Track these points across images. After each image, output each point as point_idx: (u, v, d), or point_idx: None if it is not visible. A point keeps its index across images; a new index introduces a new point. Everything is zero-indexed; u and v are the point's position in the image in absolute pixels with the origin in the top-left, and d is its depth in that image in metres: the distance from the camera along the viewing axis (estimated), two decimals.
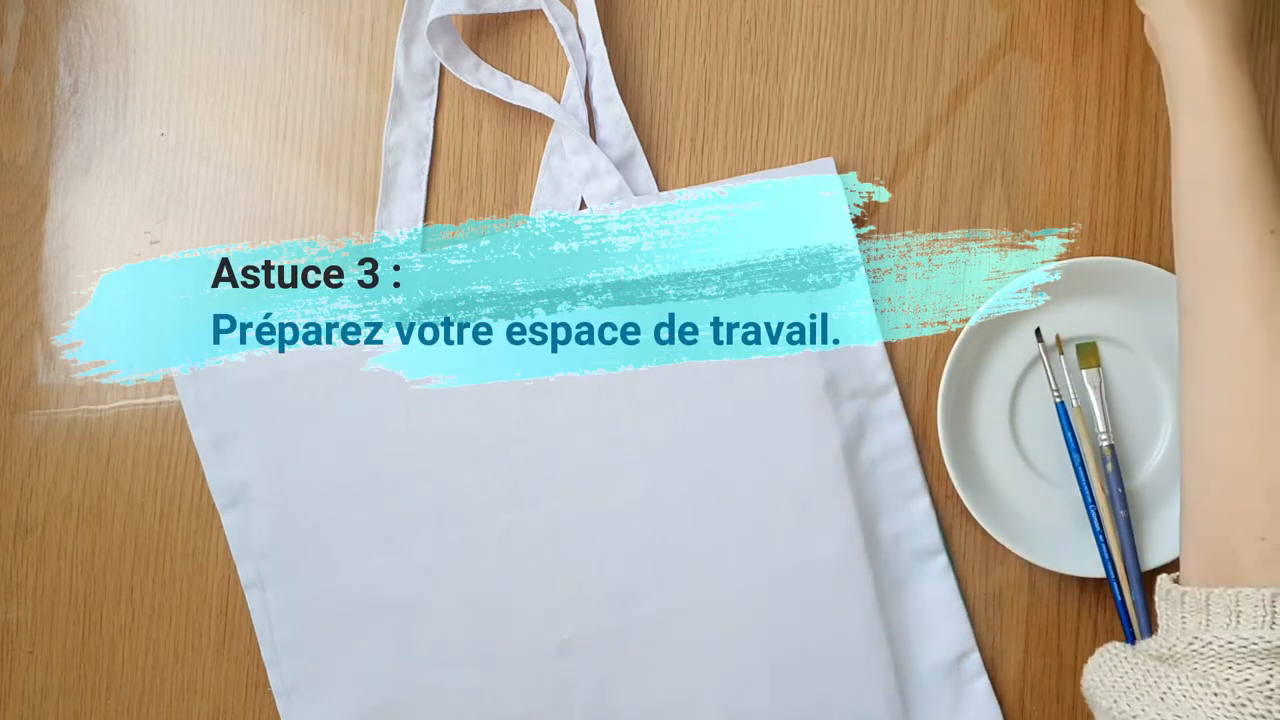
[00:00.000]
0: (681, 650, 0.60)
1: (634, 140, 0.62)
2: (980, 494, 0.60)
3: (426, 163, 0.63)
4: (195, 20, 0.65)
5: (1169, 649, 0.43)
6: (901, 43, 0.63)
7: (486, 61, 0.64)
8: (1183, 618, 0.43)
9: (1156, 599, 0.46)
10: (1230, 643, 0.40)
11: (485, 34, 0.64)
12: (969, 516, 0.59)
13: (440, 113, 0.64)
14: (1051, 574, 0.61)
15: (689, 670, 0.60)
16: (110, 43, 0.65)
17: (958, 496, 0.59)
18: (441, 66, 0.64)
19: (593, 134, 0.62)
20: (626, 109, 0.62)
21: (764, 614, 0.60)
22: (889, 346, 0.61)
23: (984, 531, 0.59)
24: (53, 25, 0.66)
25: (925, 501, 0.61)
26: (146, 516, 0.64)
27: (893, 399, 0.61)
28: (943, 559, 0.61)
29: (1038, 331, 0.60)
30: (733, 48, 0.63)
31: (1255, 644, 0.40)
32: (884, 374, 0.61)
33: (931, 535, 0.61)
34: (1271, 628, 0.40)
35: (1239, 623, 0.41)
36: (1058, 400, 0.60)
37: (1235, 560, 0.42)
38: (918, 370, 0.62)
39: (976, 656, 0.60)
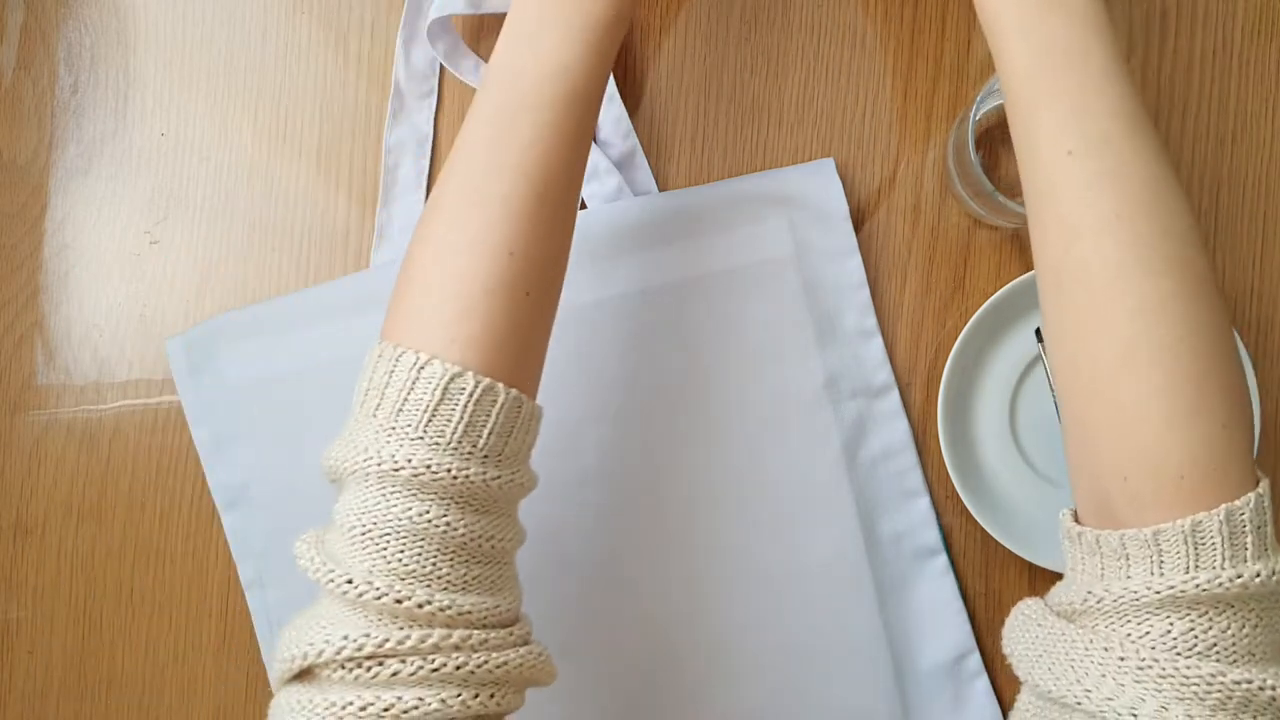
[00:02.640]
0: (682, 650, 0.60)
1: (634, 140, 0.62)
2: (980, 494, 0.60)
3: (426, 163, 0.64)
4: (195, 20, 0.65)
5: (1070, 604, 0.42)
6: (901, 43, 0.63)
7: (486, 62, 0.64)
8: (1081, 558, 0.43)
9: (1061, 537, 0.45)
10: (1121, 596, 0.39)
11: (485, 34, 0.64)
12: (969, 516, 0.60)
13: (440, 113, 0.64)
14: (1051, 574, 0.61)
15: (690, 670, 0.60)
16: (110, 43, 0.65)
17: (958, 496, 0.59)
18: (441, 66, 0.64)
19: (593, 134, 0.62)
20: (626, 109, 0.62)
21: (764, 613, 0.60)
22: (889, 346, 0.61)
23: (984, 531, 0.59)
24: (53, 25, 0.66)
25: (925, 501, 0.61)
26: (146, 516, 0.64)
27: (893, 399, 0.61)
28: (943, 559, 0.61)
29: (1038, 331, 0.60)
30: (733, 48, 0.63)
31: (1145, 595, 0.39)
32: (884, 374, 0.61)
33: (931, 535, 0.61)
34: (1160, 573, 0.39)
35: (1129, 570, 0.40)
36: (1058, 400, 0.60)
37: (1109, 502, 0.42)
38: (918, 370, 0.62)
39: (976, 656, 0.60)
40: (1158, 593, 0.38)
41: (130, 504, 0.64)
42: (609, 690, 0.60)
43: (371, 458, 0.42)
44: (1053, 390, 0.60)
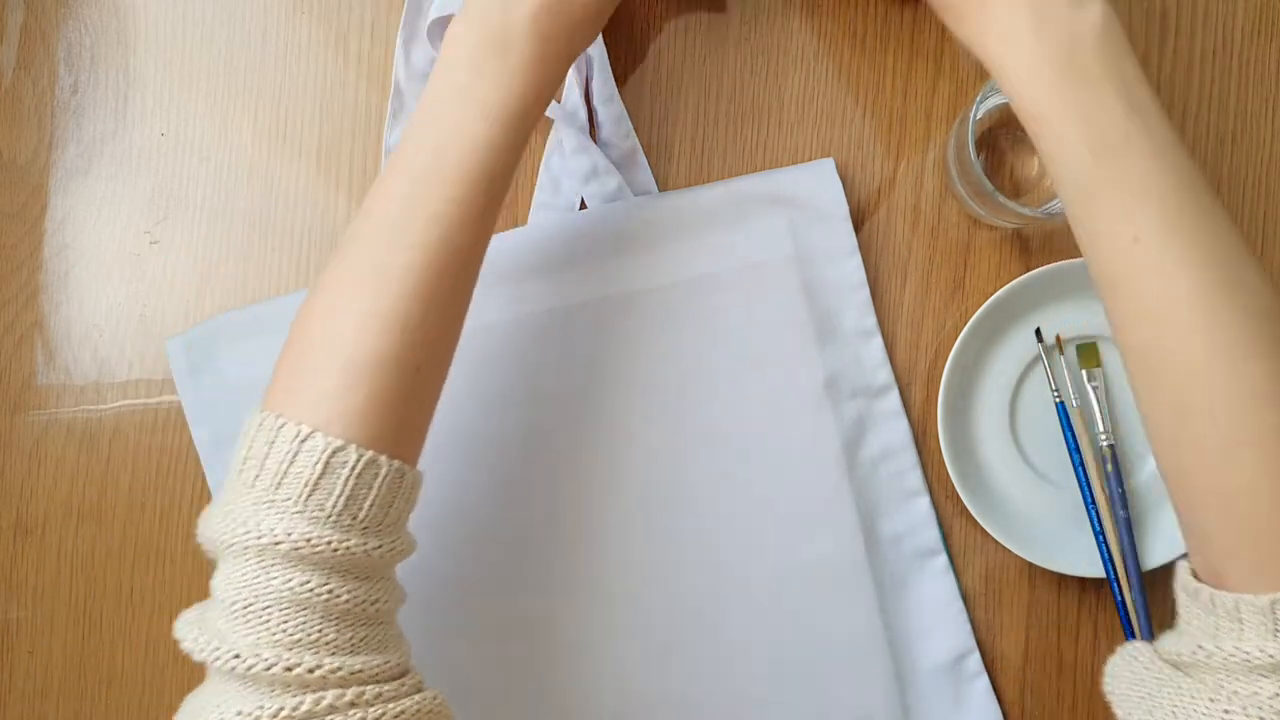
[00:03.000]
0: (682, 649, 0.60)
1: (634, 140, 0.62)
2: (980, 494, 0.60)
3: None
4: (195, 20, 0.65)
5: (1179, 654, 0.42)
6: (901, 43, 0.62)
7: None
8: (1196, 612, 0.43)
9: (1175, 585, 0.45)
10: (1233, 655, 0.40)
11: None
12: (969, 516, 0.59)
13: None
14: (1051, 574, 0.61)
15: (690, 669, 0.60)
16: (110, 43, 0.65)
17: (958, 496, 0.59)
18: None
19: (593, 134, 0.62)
20: (626, 109, 0.62)
21: (764, 613, 0.60)
22: (889, 346, 0.61)
23: (984, 531, 0.59)
24: (53, 25, 0.66)
25: (925, 501, 0.61)
26: (146, 516, 0.64)
27: (893, 399, 0.61)
28: (943, 559, 0.61)
29: (1038, 331, 0.60)
30: (732, 48, 0.63)
31: (1258, 658, 0.39)
32: (884, 374, 0.61)
33: (931, 535, 0.61)
34: (1275, 638, 0.39)
35: (1242, 632, 0.40)
36: (1058, 400, 0.60)
37: (1220, 572, 0.42)
38: (918, 370, 0.62)
39: (976, 656, 0.60)
40: (1271, 656, 0.39)
41: (130, 504, 0.64)
42: (608, 690, 0.60)
43: (250, 531, 0.42)
44: (1054, 390, 0.60)
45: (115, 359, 0.65)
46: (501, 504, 0.60)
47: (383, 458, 0.44)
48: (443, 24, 0.62)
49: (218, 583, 0.43)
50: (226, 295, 0.64)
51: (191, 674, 0.64)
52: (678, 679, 0.60)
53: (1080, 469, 0.60)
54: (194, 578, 0.64)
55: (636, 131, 0.62)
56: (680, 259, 0.61)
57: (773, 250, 0.60)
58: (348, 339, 0.45)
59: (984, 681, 0.60)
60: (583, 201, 0.62)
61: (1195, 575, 0.44)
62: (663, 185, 0.63)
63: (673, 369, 0.60)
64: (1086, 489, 0.60)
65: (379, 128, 0.64)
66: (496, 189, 0.49)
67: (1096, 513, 0.60)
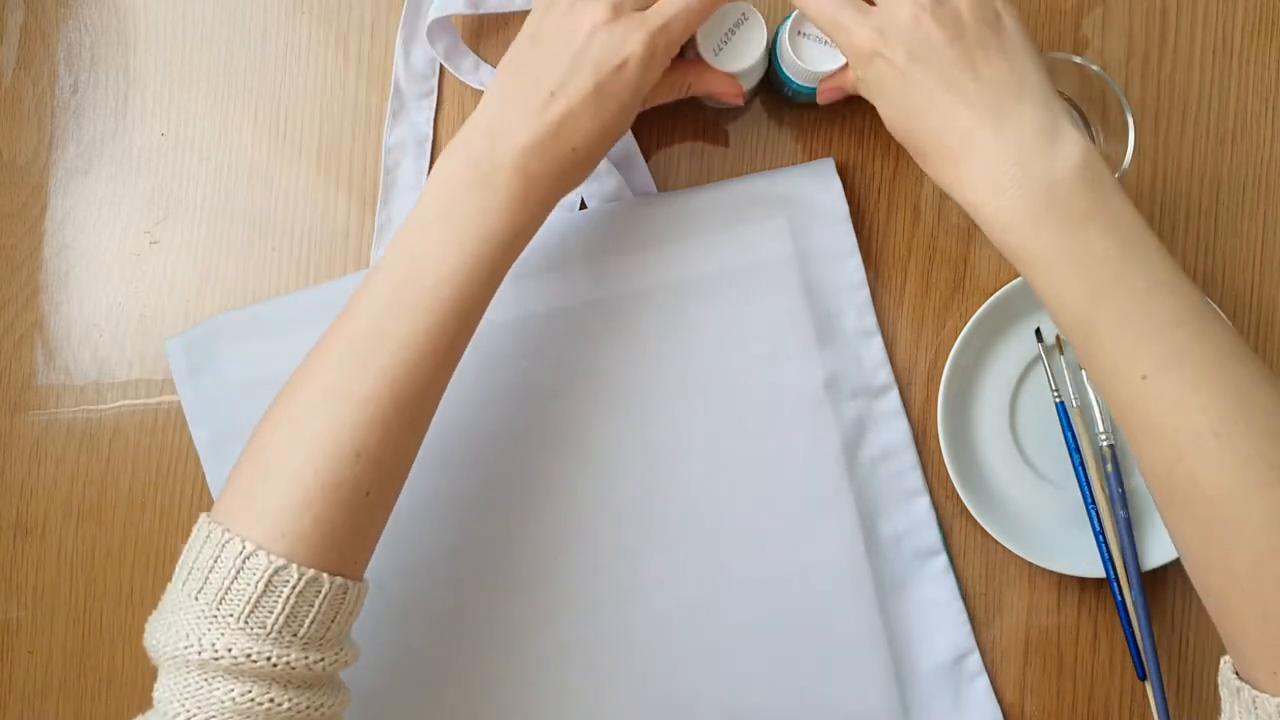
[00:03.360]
0: (682, 650, 0.60)
1: (634, 140, 0.62)
2: (980, 494, 0.60)
3: (426, 163, 0.63)
4: (195, 20, 0.65)
5: None
6: None
7: (486, 61, 0.64)
8: (1238, 710, 0.43)
9: (1219, 679, 0.46)
10: None
11: (485, 34, 0.64)
12: (969, 516, 0.59)
13: (440, 113, 0.64)
14: (1051, 574, 0.61)
15: (690, 670, 0.60)
16: (110, 43, 0.65)
17: (958, 496, 0.59)
18: (441, 66, 0.64)
19: None
20: None
21: (764, 613, 0.60)
22: (889, 346, 0.61)
23: (984, 531, 0.59)
24: (53, 25, 0.66)
25: (925, 501, 0.61)
26: (146, 516, 0.64)
27: (893, 399, 0.61)
28: (943, 559, 0.61)
29: (1038, 331, 0.60)
30: None
31: None
32: (884, 374, 0.61)
33: (931, 535, 0.61)
34: None
35: None
36: (1058, 400, 0.60)
37: (1259, 679, 0.43)
38: (918, 370, 0.62)
39: (976, 656, 0.60)
40: None
41: (130, 504, 0.64)
42: (607, 690, 0.60)
43: (192, 645, 0.43)
44: (1054, 390, 0.60)
45: (115, 359, 0.65)
46: (500, 503, 0.60)
47: (324, 576, 0.45)
48: (442, 24, 0.62)
49: (160, 694, 0.44)
50: (226, 295, 0.65)
51: None
52: (677, 679, 0.60)
53: (1080, 469, 0.60)
54: None
55: (636, 132, 0.62)
56: (680, 259, 0.61)
57: (773, 250, 0.60)
58: (301, 460, 0.45)
59: (984, 681, 0.60)
60: (583, 201, 0.62)
61: (1236, 673, 0.44)
62: (662, 185, 0.63)
63: (672, 369, 0.60)
64: (1086, 489, 0.60)
65: (379, 128, 0.64)
66: (467, 322, 0.49)
67: (1096, 513, 0.60)
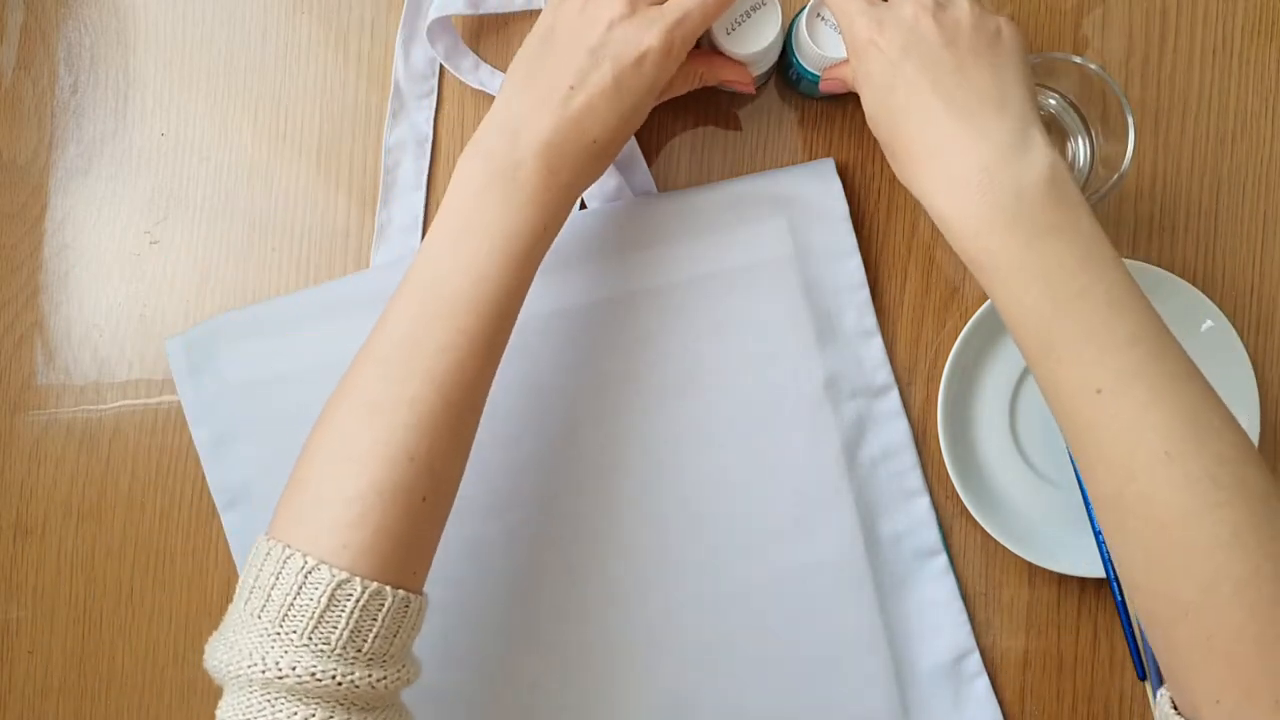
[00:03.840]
0: (682, 649, 0.60)
1: (634, 140, 0.62)
2: (980, 494, 0.60)
3: (426, 163, 0.63)
4: (195, 20, 0.65)
5: None
6: None
7: (486, 61, 0.64)
8: None
9: (1155, 714, 0.45)
10: None
11: (485, 34, 0.64)
12: (969, 516, 0.59)
13: (440, 113, 0.64)
14: (1051, 574, 0.61)
15: (689, 669, 0.60)
16: (110, 43, 0.65)
17: (958, 496, 0.59)
18: (441, 66, 0.64)
19: None
20: None
21: (764, 614, 0.60)
22: (889, 346, 0.61)
23: (984, 531, 0.59)
24: (53, 25, 0.66)
25: (925, 501, 0.61)
26: (146, 516, 0.64)
27: (893, 399, 0.61)
28: (943, 559, 0.61)
29: None
30: None
31: None
32: (884, 374, 0.61)
33: (931, 535, 0.61)
34: None
35: None
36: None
37: (1203, 714, 0.42)
38: (918, 370, 0.62)
39: (976, 656, 0.60)
40: None
41: (130, 504, 0.64)
42: (606, 690, 0.60)
43: (256, 664, 0.42)
44: None
45: (115, 359, 0.65)
46: (499, 504, 0.60)
47: (387, 589, 0.44)
48: (442, 24, 0.62)
49: (224, 714, 0.43)
50: (226, 295, 0.65)
51: (192, 674, 0.64)
52: (676, 678, 0.60)
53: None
54: (194, 578, 0.64)
55: (636, 131, 0.62)
56: (680, 259, 0.61)
57: (773, 250, 0.60)
58: (355, 470, 0.45)
59: (984, 681, 0.60)
60: (583, 202, 0.62)
61: (1175, 707, 0.44)
62: (663, 185, 0.63)
63: (672, 369, 0.60)
64: (1086, 489, 0.60)
65: (379, 128, 0.64)
66: (505, 319, 0.49)
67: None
